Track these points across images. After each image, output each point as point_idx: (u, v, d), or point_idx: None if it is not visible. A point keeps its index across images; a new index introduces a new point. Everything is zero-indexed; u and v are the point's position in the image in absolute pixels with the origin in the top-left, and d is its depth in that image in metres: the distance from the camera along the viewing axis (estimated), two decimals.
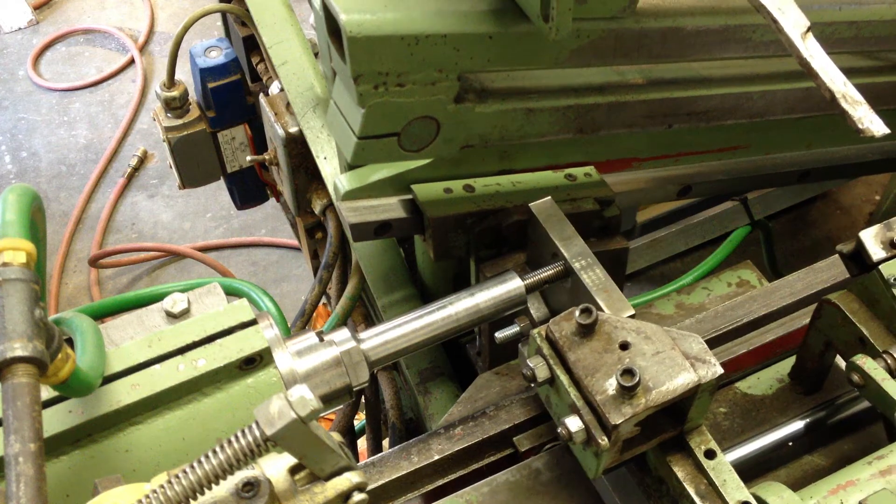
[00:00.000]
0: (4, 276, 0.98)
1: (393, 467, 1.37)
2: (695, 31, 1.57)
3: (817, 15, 1.66)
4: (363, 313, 2.08)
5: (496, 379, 1.53)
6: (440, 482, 1.40)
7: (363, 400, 2.07)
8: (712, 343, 1.56)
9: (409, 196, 1.61)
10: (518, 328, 1.54)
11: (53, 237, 4.61)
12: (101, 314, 1.55)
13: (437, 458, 1.38)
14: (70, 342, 1.18)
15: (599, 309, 1.36)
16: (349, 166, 1.58)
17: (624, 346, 1.19)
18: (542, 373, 1.22)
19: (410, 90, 1.40)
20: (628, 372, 1.13)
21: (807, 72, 1.25)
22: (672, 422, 1.22)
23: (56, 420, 1.19)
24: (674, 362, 1.16)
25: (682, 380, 1.15)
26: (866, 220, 3.69)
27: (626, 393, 1.13)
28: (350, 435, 2.16)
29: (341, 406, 2.00)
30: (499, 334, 1.53)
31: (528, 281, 1.52)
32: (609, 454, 1.18)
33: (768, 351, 1.59)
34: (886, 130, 1.21)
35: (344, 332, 1.39)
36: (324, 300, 2.17)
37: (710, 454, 1.21)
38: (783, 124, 1.89)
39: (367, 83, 1.36)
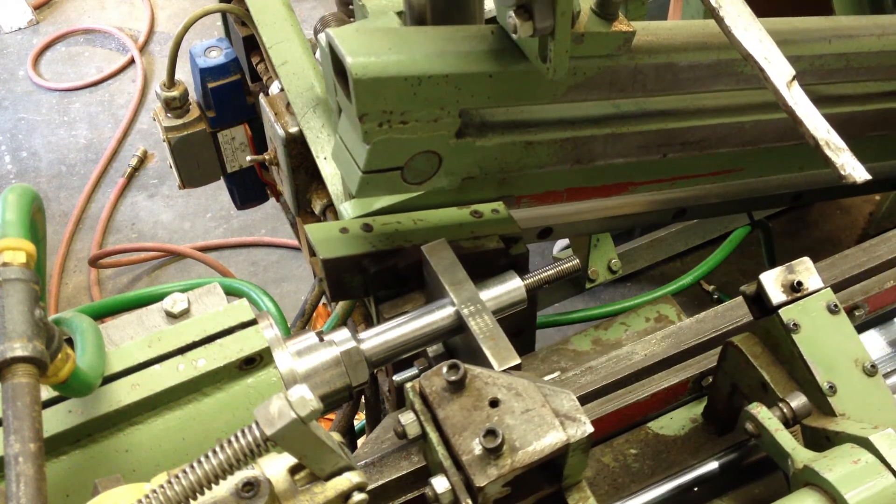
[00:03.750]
0: (4, 276, 0.98)
1: (393, 467, 1.37)
2: (687, 66, 1.61)
3: (808, 48, 1.70)
4: (363, 313, 2.08)
5: None
6: None
7: (363, 400, 2.07)
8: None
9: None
10: (417, 370, 1.54)
11: (53, 237, 4.60)
12: (101, 314, 1.55)
13: None
14: (70, 342, 1.18)
15: (485, 357, 1.35)
16: (353, 196, 1.59)
17: (494, 404, 1.14)
18: (412, 430, 1.18)
19: (413, 127, 1.42)
20: (491, 433, 1.10)
21: (792, 119, 1.27)
22: (549, 478, 1.19)
23: (56, 420, 1.19)
24: (543, 420, 1.12)
25: (549, 439, 1.11)
26: (866, 219, 3.69)
27: (492, 453, 1.10)
28: (350, 435, 2.16)
29: (341, 406, 2.00)
30: (397, 377, 1.53)
31: (528, 280, 1.52)
32: None
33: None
34: (868, 177, 1.24)
35: (344, 332, 1.39)
36: (324, 300, 2.17)
37: None
38: (775, 150, 1.92)
39: (372, 121, 1.39)
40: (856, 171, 1.23)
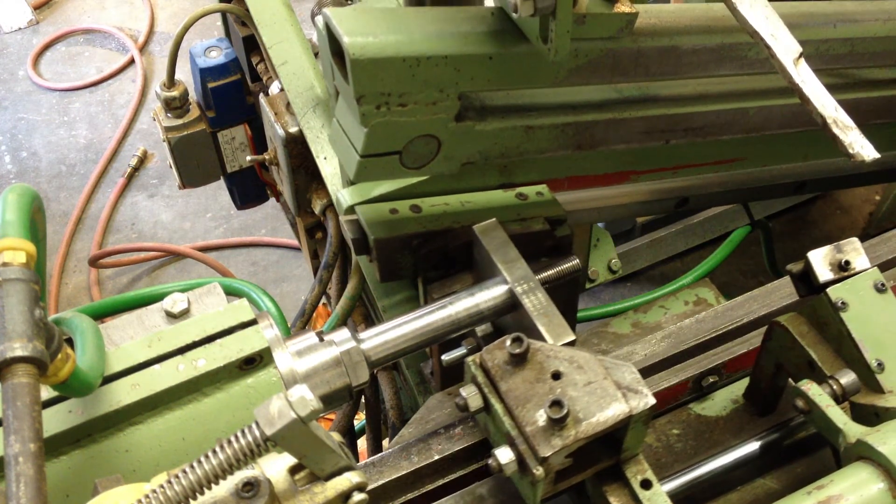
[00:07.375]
0: (4, 276, 0.98)
1: (393, 467, 1.37)
2: (691, 50, 1.59)
3: (813, 32, 1.68)
4: (363, 313, 2.08)
5: (448, 399, 1.50)
6: (440, 482, 1.40)
7: (363, 400, 2.07)
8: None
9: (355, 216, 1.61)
10: (465, 350, 1.54)
11: (53, 237, 4.60)
12: (101, 314, 1.55)
13: (437, 458, 1.38)
14: (70, 342, 1.18)
15: (539, 335, 1.36)
16: (351, 181, 1.59)
17: (556, 376, 1.16)
18: (474, 402, 1.21)
19: (412, 110, 1.41)
20: (557, 403, 1.11)
21: (798, 97, 1.26)
22: (608, 451, 1.20)
23: (56, 420, 1.19)
24: (605, 393, 1.14)
25: (612, 411, 1.13)
26: (866, 220, 3.70)
27: (556, 424, 1.11)
28: (350, 435, 2.16)
29: (341, 406, 2.00)
30: (445, 357, 1.53)
31: None
32: (543, 484, 1.16)
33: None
34: (877, 155, 1.22)
35: (344, 332, 1.39)
36: (324, 300, 2.17)
37: (646, 484, 1.20)
38: (780, 138, 1.91)
39: (370, 103, 1.38)
40: (864, 149, 1.22)
